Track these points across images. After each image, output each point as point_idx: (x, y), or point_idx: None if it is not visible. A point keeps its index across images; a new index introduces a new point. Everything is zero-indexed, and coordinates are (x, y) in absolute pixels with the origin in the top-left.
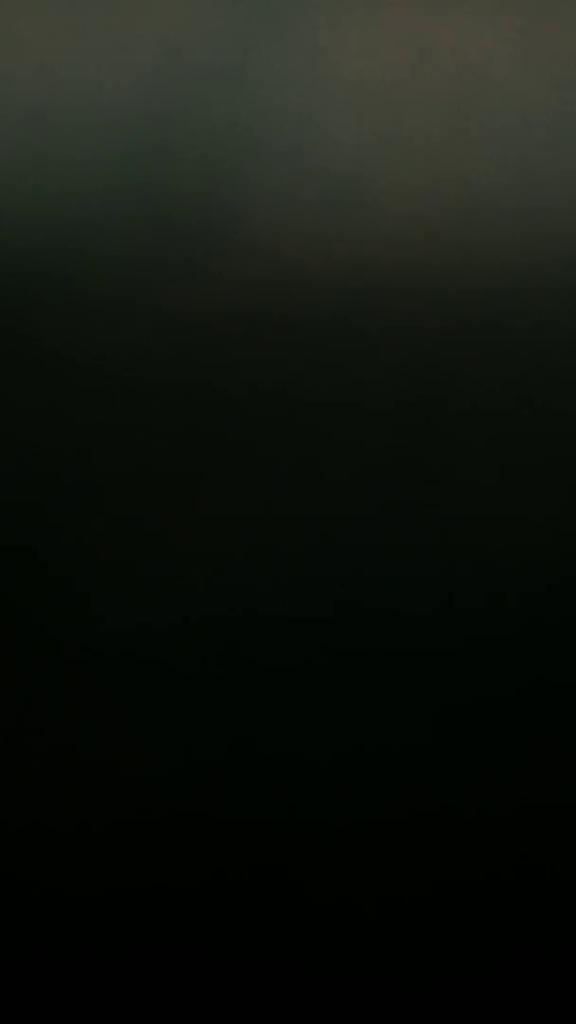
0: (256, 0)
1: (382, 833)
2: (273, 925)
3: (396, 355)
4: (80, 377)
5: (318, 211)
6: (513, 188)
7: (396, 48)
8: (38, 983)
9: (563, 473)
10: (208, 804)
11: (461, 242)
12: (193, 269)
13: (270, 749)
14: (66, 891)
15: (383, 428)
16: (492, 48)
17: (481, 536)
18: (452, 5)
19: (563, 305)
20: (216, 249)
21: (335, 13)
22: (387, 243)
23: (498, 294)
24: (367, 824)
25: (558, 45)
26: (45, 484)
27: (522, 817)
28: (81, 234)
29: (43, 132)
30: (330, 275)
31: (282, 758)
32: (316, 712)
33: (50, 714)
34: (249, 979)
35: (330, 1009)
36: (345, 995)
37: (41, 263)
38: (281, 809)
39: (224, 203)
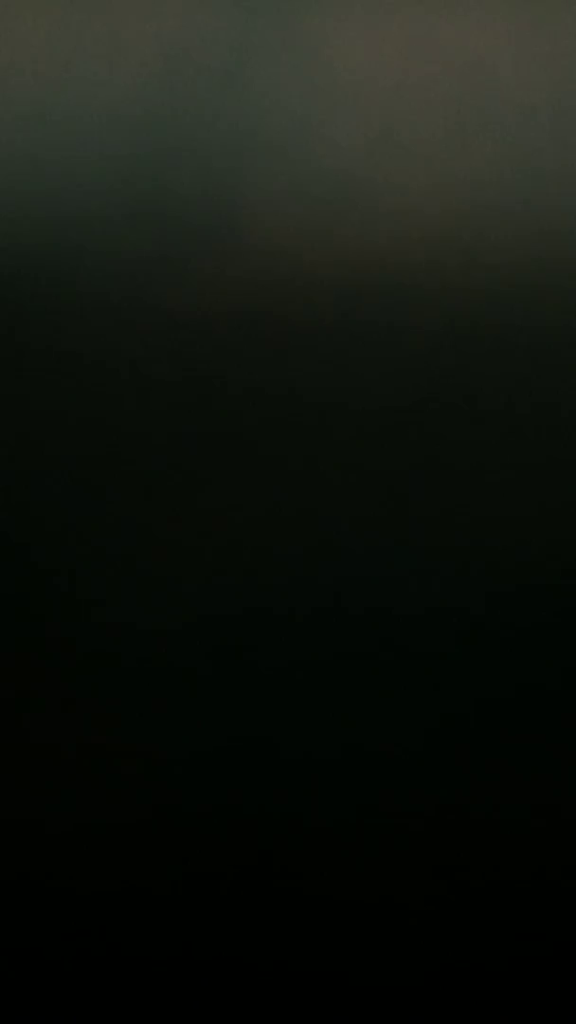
0: (256, 0)
1: (382, 833)
2: (273, 925)
3: (396, 355)
4: (80, 377)
5: (318, 211)
6: (514, 188)
7: (396, 48)
8: (38, 983)
9: (563, 473)
10: (208, 803)
11: (461, 242)
12: (194, 269)
13: (270, 748)
14: (66, 891)
15: (383, 428)
16: (493, 48)
17: (481, 536)
18: (453, 5)
19: (563, 305)
20: (216, 249)
21: (335, 13)
22: (387, 243)
23: (498, 294)
24: (367, 824)
25: (559, 45)
26: (45, 484)
27: (522, 817)
28: (81, 234)
29: (43, 132)
30: (330, 275)
31: (282, 757)
32: (316, 712)
33: (50, 713)
34: (248, 979)
35: (330, 1009)
36: (345, 995)
37: (41, 263)
38: (281, 808)
39: (224, 203)
